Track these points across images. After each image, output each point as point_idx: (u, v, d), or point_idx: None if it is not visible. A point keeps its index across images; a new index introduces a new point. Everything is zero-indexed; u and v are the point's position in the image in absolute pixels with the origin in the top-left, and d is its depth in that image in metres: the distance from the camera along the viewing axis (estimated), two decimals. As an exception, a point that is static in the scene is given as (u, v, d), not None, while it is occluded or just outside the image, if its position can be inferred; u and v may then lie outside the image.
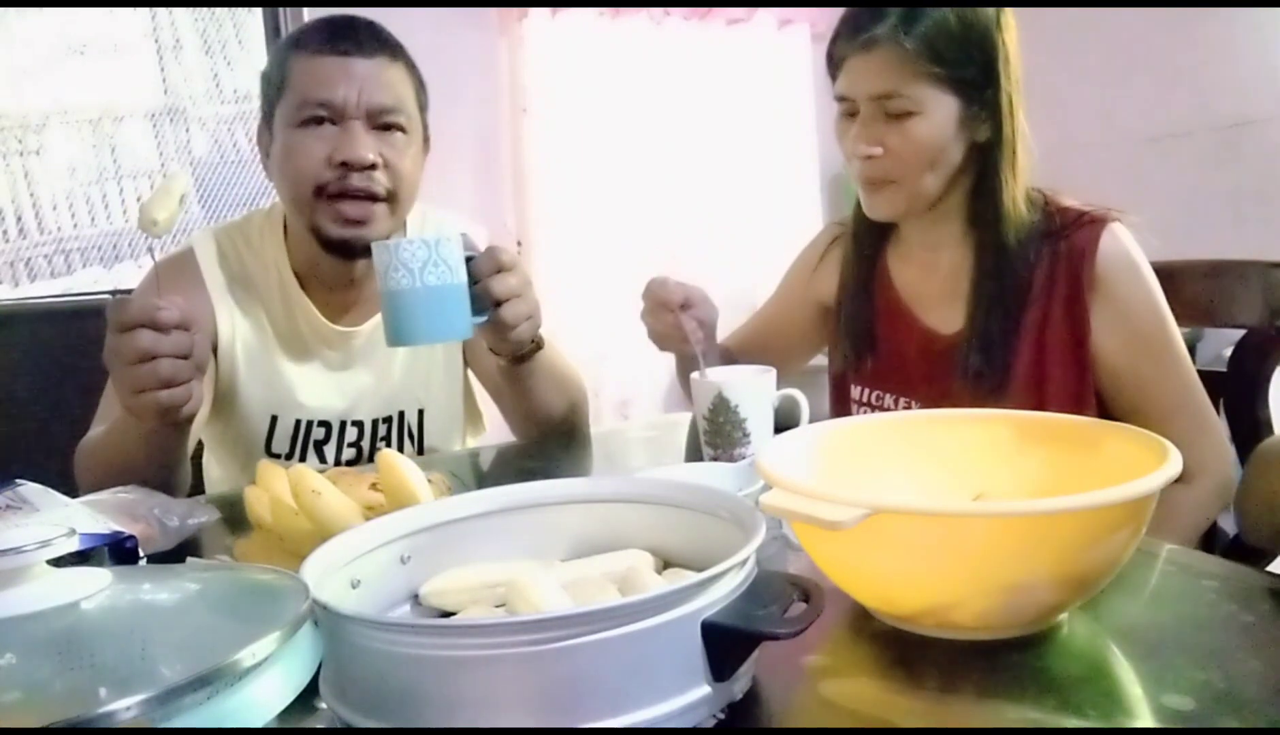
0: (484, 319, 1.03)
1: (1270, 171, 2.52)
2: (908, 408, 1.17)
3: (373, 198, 1.14)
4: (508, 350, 1.12)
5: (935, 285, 1.16)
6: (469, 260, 1.01)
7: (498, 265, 1.03)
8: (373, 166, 1.13)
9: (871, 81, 1.05)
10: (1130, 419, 1.05)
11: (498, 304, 1.03)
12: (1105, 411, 1.08)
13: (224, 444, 1.27)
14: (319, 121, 1.12)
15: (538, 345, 1.14)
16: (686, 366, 1.22)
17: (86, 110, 2.79)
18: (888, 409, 1.18)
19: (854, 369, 1.23)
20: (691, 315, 1.10)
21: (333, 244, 1.16)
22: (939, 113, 1.05)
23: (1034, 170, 1.09)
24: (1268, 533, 0.82)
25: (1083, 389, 1.07)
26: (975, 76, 1.04)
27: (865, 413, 1.21)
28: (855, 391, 1.23)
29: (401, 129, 1.16)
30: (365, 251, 1.18)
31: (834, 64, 1.10)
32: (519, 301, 1.05)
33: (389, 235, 1.20)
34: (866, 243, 1.22)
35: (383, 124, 1.14)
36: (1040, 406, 1.06)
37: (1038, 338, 1.07)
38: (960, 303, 1.12)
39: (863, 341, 1.21)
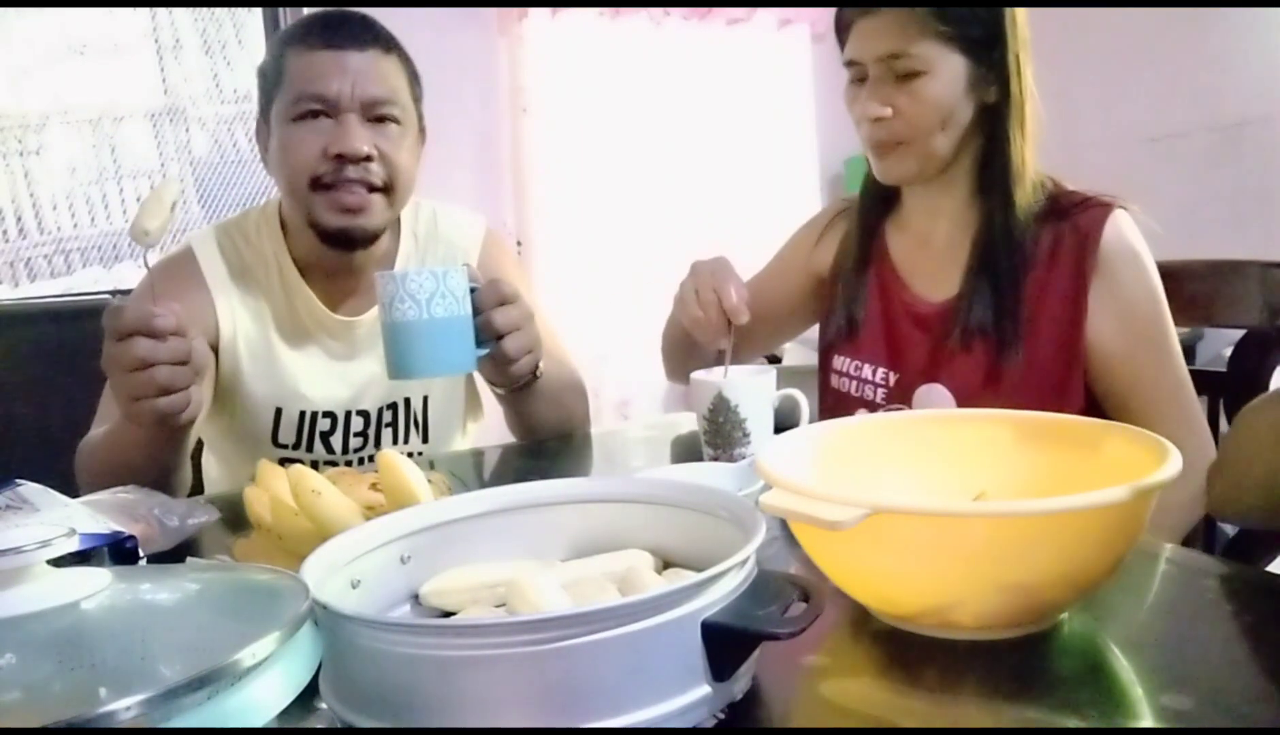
0: (485, 352, 1.03)
1: (1270, 171, 2.52)
2: (885, 379, 1.17)
3: (369, 188, 1.15)
4: (506, 382, 1.13)
5: (930, 254, 1.17)
6: (472, 291, 1.01)
7: (500, 298, 1.03)
8: (368, 158, 1.13)
9: (878, 42, 1.06)
10: (1119, 413, 1.05)
11: (499, 337, 1.03)
12: (1094, 403, 1.08)
13: (227, 439, 1.27)
14: (314, 115, 1.13)
15: (535, 376, 1.14)
16: (684, 345, 1.21)
17: (86, 110, 2.79)
18: (866, 380, 1.19)
19: (842, 339, 1.23)
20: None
21: (331, 234, 1.17)
22: (947, 72, 1.05)
23: (1042, 135, 1.09)
24: (1239, 505, 0.81)
25: (1071, 373, 1.07)
26: (982, 36, 1.05)
27: (846, 384, 1.21)
28: (838, 362, 1.23)
29: (396, 121, 1.17)
30: (363, 243, 1.19)
31: (841, 29, 1.11)
32: (520, 334, 1.05)
33: (386, 224, 1.21)
34: (870, 215, 1.22)
35: (377, 116, 1.15)
36: (1026, 384, 1.06)
37: (1032, 313, 1.07)
38: (952, 273, 1.12)
39: (854, 307, 1.21)
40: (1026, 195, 1.08)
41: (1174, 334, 1.07)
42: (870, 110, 1.08)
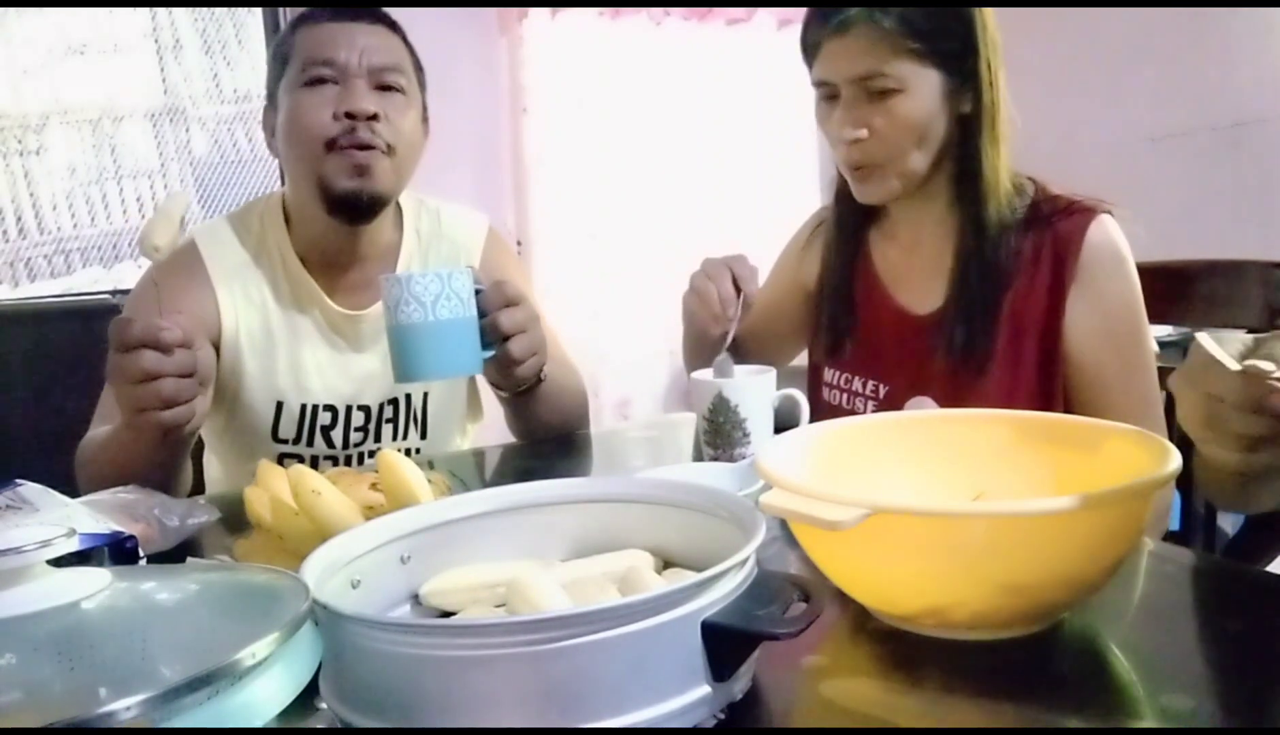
0: (491, 353, 1.03)
1: (1270, 171, 2.52)
2: (875, 392, 1.17)
3: (376, 150, 1.16)
4: (511, 385, 1.13)
5: (916, 265, 1.16)
6: (477, 293, 1.01)
7: (506, 299, 1.04)
8: (374, 117, 1.15)
9: (851, 64, 1.04)
10: (1086, 416, 1.05)
11: (505, 339, 1.03)
12: (1068, 408, 1.08)
13: (227, 435, 1.27)
14: (322, 81, 1.15)
15: (540, 379, 1.14)
16: (695, 341, 1.21)
17: (86, 110, 2.79)
18: (856, 392, 1.19)
19: (830, 352, 1.22)
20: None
21: (339, 199, 1.17)
22: (922, 88, 1.03)
23: (1016, 139, 1.08)
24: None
25: (1053, 378, 1.07)
26: (955, 48, 1.03)
27: (836, 396, 1.21)
28: (828, 375, 1.22)
29: (401, 90, 1.19)
30: (369, 210, 1.19)
31: (809, 50, 1.09)
32: (525, 337, 1.05)
33: (393, 191, 1.21)
34: (849, 224, 1.21)
35: (383, 84, 1.17)
36: (1011, 390, 1.06)
37: (1013, 320, 1.07)
38: (939, 283, 1.11)
39: (841, 323, 1.20)
40: (1000, 207, 1.07)
41: (1150, 344, 1.06)
42: (846, 133, 1.06)
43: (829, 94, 1.09)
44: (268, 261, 1.24)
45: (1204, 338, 0.62)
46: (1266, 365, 0.59)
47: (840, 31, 1.03)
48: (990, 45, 1.05)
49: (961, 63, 1.04)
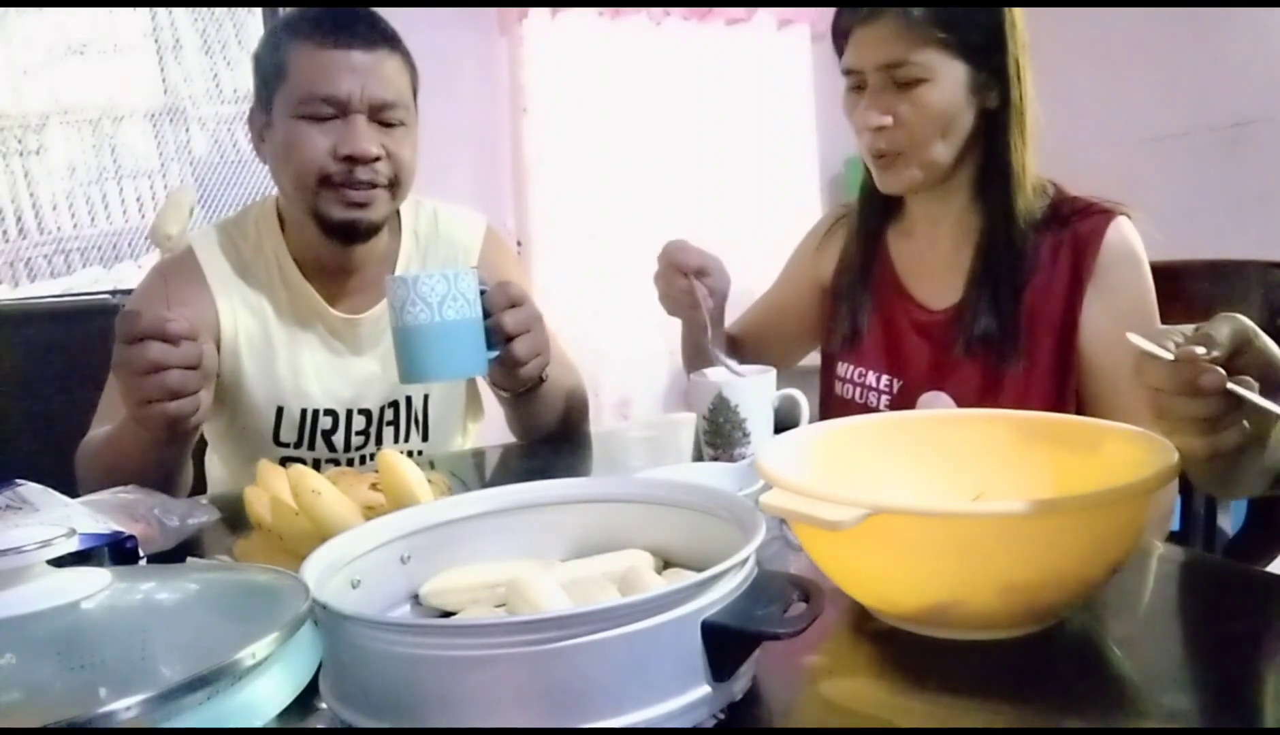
0: (495, 354, 1.03)
1: (1270, 171, 2.52)
2: (889, 386, 1.17)
3: (376, 186, 1.16)
4: (514, 386, 1.13)
5: (934, 261, 1.17)
6: (481, 294, 1.01)
7: (510, 300, 1.04)
8: (376, 158, 1.14)
9: (879, 51, 1.05)
10: (1099, 416, 1.05)
11: (509, 339, 1.03)
12: (1080, 407, 1.08)
13: (228, 439, 1.27)
14: (322, 114, 1.13)
15: (542, 379, 1.14)
16: (693, 334, 1.21)
17: (86, 110, 2.79)
18: (870, 387, 1.19)
19: (846, 347, 1.22)
20: (705, 282, 1.10)
21: (334, 227, 1.17)
22: (948, 79, 1.04)
23: (1041, 138, 1.09)
24: None
25: (1067, 377, 1.07)
26: (982, 42, 1.04)
27: (849, 390, 1.21)
28: (841, 369, 1.23)
29: (402, 122, 1.18)
30: (365, 236, 1.20)
31: (839, 37, 1.11)
32: (529, 337, 1.05)
33: (389, 215, 1.21)
34: (870, 221, 1.22)
35: (383, 119, 1.16)
36: (1025, 386, 1.06)
37: (1030, 317, 1.08)
38: (955, 279, 1.12)
39: (857, 317, 1.21)
40: (1027, 201, 1.08)
41: None
42: (871, 119, 1.07)
43: (856, 84, 1.10)
44: (264, 268, 1.24)
45: (1132, 336, 0.63)
46: (1199, 349, 0.59)
47: (870, 19, 1.05)
48: (1019, 44, 1.06)
49: (988, 57, 1.05)
